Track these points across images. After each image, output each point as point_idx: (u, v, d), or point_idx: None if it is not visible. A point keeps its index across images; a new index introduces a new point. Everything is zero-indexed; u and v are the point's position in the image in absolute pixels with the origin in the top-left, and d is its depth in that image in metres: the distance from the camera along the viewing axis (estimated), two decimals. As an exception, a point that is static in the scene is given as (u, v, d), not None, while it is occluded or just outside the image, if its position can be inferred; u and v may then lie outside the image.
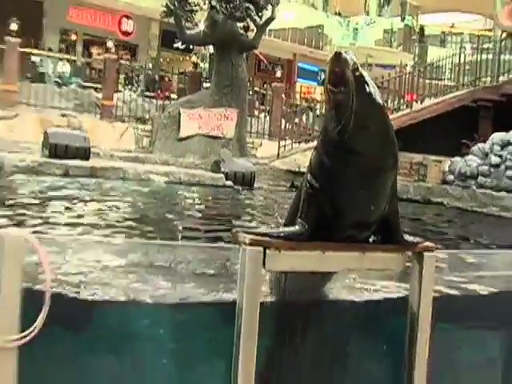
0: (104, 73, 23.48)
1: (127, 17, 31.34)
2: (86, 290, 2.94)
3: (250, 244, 2.71)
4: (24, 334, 2.43)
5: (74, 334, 2.77)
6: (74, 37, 30.95)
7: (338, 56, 2.66)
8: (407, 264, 3.06)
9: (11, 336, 2.40)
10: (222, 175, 14.53)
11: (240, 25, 18.83)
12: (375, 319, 3.38)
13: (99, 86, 23.91)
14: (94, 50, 31.64)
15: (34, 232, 2.64)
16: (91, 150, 14.60)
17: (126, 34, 31.71)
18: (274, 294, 3.16)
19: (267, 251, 2.72)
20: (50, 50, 27.40)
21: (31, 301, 2.49)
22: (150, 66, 28.67)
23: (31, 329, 2.44)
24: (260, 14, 18.86)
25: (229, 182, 14.28)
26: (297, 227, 2.89)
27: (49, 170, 13.05)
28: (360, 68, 2.71)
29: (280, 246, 2.78)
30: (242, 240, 2.75)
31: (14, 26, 24.43)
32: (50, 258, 2.51)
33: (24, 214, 6.74)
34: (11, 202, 8.08)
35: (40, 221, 6.34)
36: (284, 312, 3.19)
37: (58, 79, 24.30)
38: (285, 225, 3.15)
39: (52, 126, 17.32)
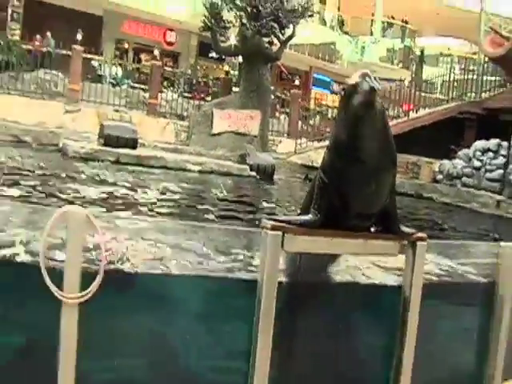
0: (150, 76, 23.57)
1: (171, 30, 31.35)
2: (128, 262, 2.95)
3: (272, 229, 2.74)
4: (82, 293, 2.49)
5: (121, 298, 2.80)
6: (126, 45, 31.01)
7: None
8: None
9: (74, 294, 2.47)
10: (246, 167, 14.54)
11: (266, 40, 18.82)
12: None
13: (146, 87, 23.99)
14: (143, 57, 31.66)
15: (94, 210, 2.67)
16: (138, 140, 14.66)
17: (170, 44, 31.71)
18: (289, 272, 3.17)
19: (285, 235, 2.76)
20: (100, 54, 27.55)
21: (89, 269, 2.54)
22: (189, 71, 28.63)
23: (87, 291, 2.49)
24: (283, 31, 18.88)
25: (252, 173, 14.29)
26: (311, 216, 2.92)
27: (103, 157, 13.14)
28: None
29: (296, 231, 2.81)
30: (264, 225, 2.77)
31: (79, 36, 24.55)
32: (105, 235, 2.55)
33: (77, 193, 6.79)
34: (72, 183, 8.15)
35: (97, 199, 6.37)
36: (298, 287, 3.21)
37: (112, 80, 24.34)
38: (300, 213, 3.17)
39: (107, 119, 17.43)
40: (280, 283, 2.78)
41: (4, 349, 2.65)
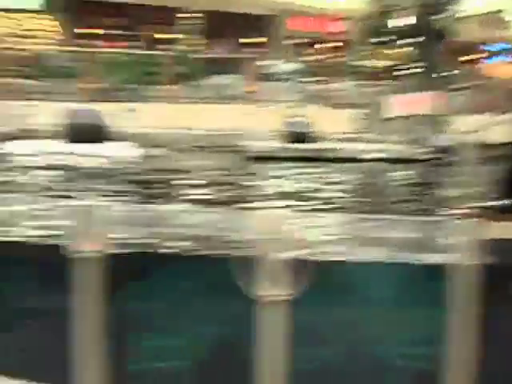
0: (322, 68, 23.59)
1: (335, 19, 31.31)
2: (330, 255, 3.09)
3: (466, 216, 2.79)
4: (288, 290, 2.69)
5: (329, 289, 2.98)
6: (294, 41, 31.50)
7: None
8: None
9: (283, 292, 2.67)
10: (424, 150, 14.19)
11: (440, 16, 18.25)
12: None
13: (318, 78, 24.09)
14: (311, 50, 31.99)
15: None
16: (315, 134, 14.89)
17: (335, 33, 31.68)
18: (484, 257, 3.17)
19: (479, 221, 2.81)
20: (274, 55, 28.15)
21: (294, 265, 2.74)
22: (358, 58, 28.37)
23: (299, 286, 2.69)
24: (455, 5, 18.20)
25: (434, 156, 13.90)
26: (505, 202, 2.92)
27: (283, 154, 13.55)
28: None
29: (490, 218, 2.83)
30: (457, 212, 2.83)
31: (250, 39, 25.41)
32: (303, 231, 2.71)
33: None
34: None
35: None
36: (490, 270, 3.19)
37: (285, 77, 24.66)
38: (493, 199, 3.16)
39: (284, 116, 17.86)
40: (475, 267, 2.80)
41: (211, 341, 2.92)
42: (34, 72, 20.50)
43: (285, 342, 2.73)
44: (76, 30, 25.86)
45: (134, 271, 3.20)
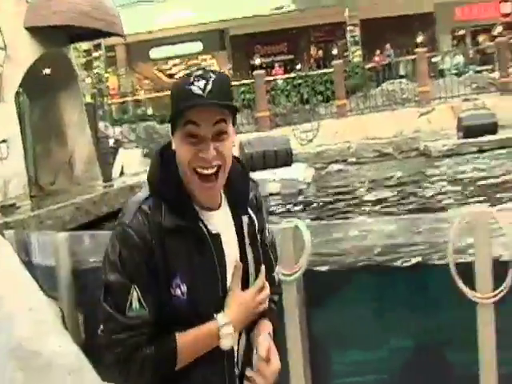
0: (498, 55, 22.41)
1: (505, 1, 29.65)
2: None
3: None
4: (495, 292, 2.60)
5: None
6: (462, 32, 30.37)
7: None
8: None
9: (488, 294, 2.60)
10: None
11: None
12: None
13: (492, 66, 23.00)
14: (481, 38, 30.61)
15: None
16: (498, 123, 14.22)
17: (507, 15, 29.98)
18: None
19: None
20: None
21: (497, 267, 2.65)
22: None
23: (501, 288, 2.60)
24: None
25: None
26: None
27: (466, 150, 13.12)
28: None
29: None
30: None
31: (419, 39, 25.05)
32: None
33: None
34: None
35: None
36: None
37: (455, 71, 23.97)
38: None
39: (461, 111, 17.25)
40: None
41: (405, 350, 2.91)
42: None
43: (498, 344, 2.66)
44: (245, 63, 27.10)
45: (328, 286, 3.29)
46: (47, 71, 11.95)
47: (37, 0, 11.29)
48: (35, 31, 10.96)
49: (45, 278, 4.66)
